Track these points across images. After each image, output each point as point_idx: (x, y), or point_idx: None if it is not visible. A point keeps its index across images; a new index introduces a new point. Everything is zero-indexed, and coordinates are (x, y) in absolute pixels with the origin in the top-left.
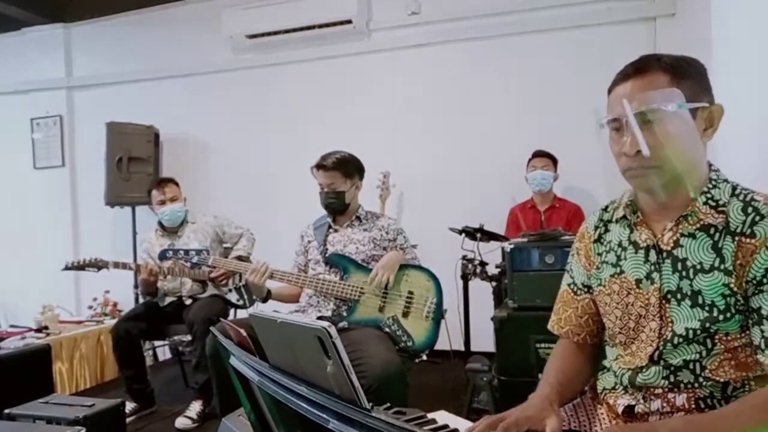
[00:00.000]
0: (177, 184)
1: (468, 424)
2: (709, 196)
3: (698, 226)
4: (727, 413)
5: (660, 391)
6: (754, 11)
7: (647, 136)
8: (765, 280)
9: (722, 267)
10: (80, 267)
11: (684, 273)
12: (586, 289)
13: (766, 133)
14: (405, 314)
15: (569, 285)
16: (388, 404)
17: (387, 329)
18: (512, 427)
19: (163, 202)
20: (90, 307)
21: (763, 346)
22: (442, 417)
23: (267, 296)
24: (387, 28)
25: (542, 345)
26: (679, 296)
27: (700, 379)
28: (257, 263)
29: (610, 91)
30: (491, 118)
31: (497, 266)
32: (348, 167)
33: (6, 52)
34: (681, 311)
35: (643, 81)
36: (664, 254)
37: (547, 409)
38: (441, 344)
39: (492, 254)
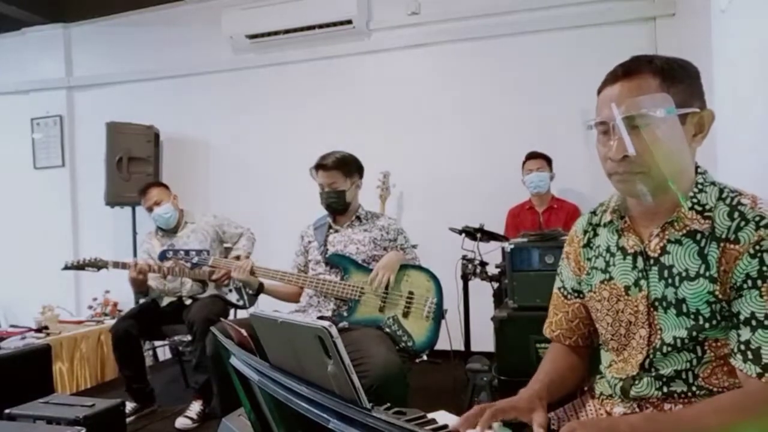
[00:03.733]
0: (161, 186)
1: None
2: (695, 200)
3: (684, 232)
4: (687, 414)
5: (655, 401)
6: (755, 11)
7: (634, 141)
8: (745, 286)
9: (707, 274)
10: (80, 267)
11: (670, 280)
12: (576, 294)
13: (767, 132)
14: (405, 314)
15: (559, 289)
16: (389, 404)
17: (387, 329)
18: (500, 413)
19: (150, 209)
20: (90, 307)
21: (736, 350)
22: (442, 417)
23: (259, 289)
24: (387, 28)
25: (542, 345)
26: (665, 304)
27: (694, 389)
28: (242, 262)
29: (599, 91)
30: (491, 118)
31: (497, 266)
32: (348, 166)
33: (6, 52)
34: (668, 319)
35: (632, 84)
36: (651, 261)
37: (534, 403)
38: (441, 344)
39: (492, 254)
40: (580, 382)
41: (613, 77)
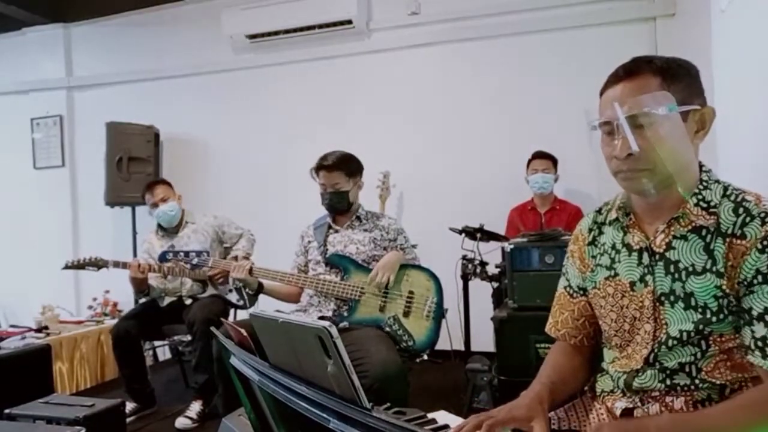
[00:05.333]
0: (168, 184)
1: None
2: (700, 197)
3: (690, 228)
4: (713, 413)
5: (657, 394)
6: (755, 11)
7: (638, 139)
8: (755, 281)
9: (714, 269)
10: (80, 266)
11: (677, 275)
12: (582, 292)
13: (767, 132)
14: (405, 314)
15: (565, 287)
16: (389, 404)
17: (388, 329)
18: (497, 425)
19: (155, 205)
20: (90, 307)
21: (753, 346)
22: (442, 417)
23: (259, 289)
24: (387, 28)
25: (542, 345)
26: (672, 298)
27: (697, 382)
28: (241, 262)
29: (601, 93)
30: (491, 117)
31: (497, 266)
32: (350, 165)
33: (6, 52)
34: (674, 313)
35: (634, 84)
36: (657, 256)
37: (535, 409)
38: (441, 344)
39: (492, 254)
40: (584, 383)
41: (615, 78)
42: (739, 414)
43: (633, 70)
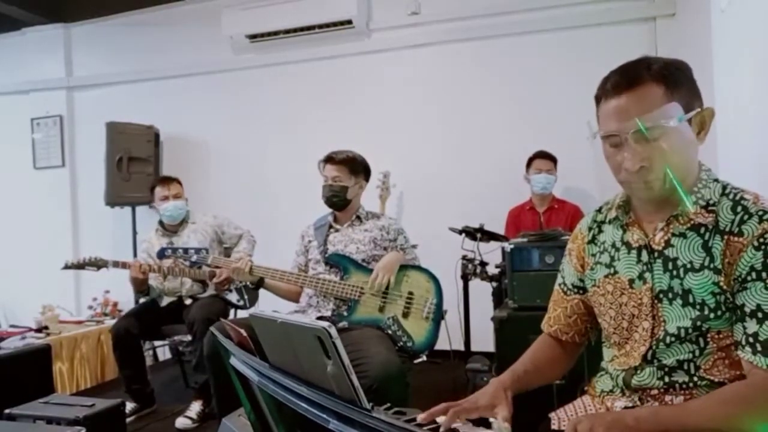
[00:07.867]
0: (181, 183)
1: (468, 424)
2: (699, 195)
3: (689, 225)
4: (693, 406)
5: (656, 392)
6: (755, 11)
7: (647, 151)
8: (749, 278)
9: (712, 266)
10: (80, 266)
11: (675, 272)
12: (575, 290)
13: (767, 132)
14: (405, 314)
15: (560, 285)
16: (388, 404)
17: (387, 329)
18: (462, 412)
19: (166, 198)
20: (90, 307)
21: (743, 342)
22: (441, 417)
23: (259, 283)
24: (387, 28)
25: None
26: (670, 295)
27: (695, 379)
28: (241, 262)
29: (599, 99)
30: (491, 118)
31: (497, 266)
32: (356, 165)
33: (6, 52)
34: (673, 310)
35: (639, 97)
36: (656, 254)
37: (498, 397)
38: (441, 344)
39: (492, 254)
40: (561, 373)
41: (616, 89)
42: (716, 408)
43: (634, 79)
